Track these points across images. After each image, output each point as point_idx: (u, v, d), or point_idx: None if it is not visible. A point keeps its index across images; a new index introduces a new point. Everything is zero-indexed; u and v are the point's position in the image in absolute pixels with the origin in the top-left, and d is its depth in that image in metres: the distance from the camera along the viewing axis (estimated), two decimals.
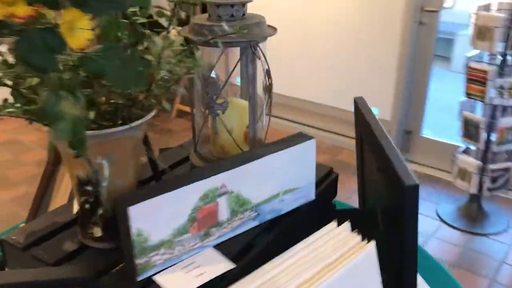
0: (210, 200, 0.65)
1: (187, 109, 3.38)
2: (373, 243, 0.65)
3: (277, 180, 0.71)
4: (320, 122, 3.11)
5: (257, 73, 0.79)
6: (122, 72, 0.48)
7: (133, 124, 0.60)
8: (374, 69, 2.76)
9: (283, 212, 0.74)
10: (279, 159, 0.70)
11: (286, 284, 0.59)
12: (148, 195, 0.59)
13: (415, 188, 0.66)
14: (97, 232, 0.65)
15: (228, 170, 0.65)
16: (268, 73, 0.82)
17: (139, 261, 0.61)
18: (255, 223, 0.71)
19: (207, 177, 0.63)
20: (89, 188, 0.62)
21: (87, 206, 0.64)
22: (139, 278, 0.61)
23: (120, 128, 0.59)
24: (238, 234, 0.70)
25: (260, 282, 0.59)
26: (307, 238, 0.66)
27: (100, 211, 0.64)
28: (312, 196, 0.77)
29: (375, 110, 2.83)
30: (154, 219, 0.60)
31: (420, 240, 2.06)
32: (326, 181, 0.87)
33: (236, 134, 0.82)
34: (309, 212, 0.78)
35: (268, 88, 0.83)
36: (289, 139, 0.74)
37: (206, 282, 0.61)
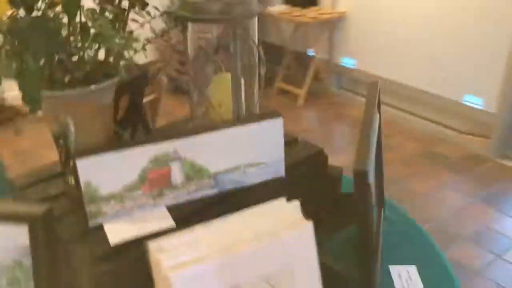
0: (161, 163, 0.70)
1: (289, 87, 3.44)
2: (310, 223, 0.66)
3: (238, 153, 0.74)
4: (422, 109, 2.95)
5: (243, 50, 0.82)
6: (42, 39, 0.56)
7: (82, 88, 0.67)
8: (482, 57, 2.53)
9: (246, 184, 0.77)
10: (240, 133, 0.73)
11: (208, 245, 0.62)
12: (96, 151, 0.67)
13: (363, 174, 0.65)
14: (71, 180, 0.75)
15: (180, 137, 0.70)
16: (257, 50, 0.84)
17: (89, 208, 0.69)
18: (214, 191, 0.76)
19: (157, 142, 0.69)
20: (61, 141, 0.72)
21: (62, 157, 0.74)
22: (90, 224, 0.70)
23: (75, 91, 0.67)
24: (197, 200, 0.75)
25: (186, 239, 0.63)
26: (251, 209, 0.69)
27: (71, 163, 0.73)
28: (281, 172, 0.79)
29: (478, 100, 2.61)
30: (102, 173, 0.68)
31: None
32: (311, 161, 0.87)
33: (226, 109, 0.86)
34: (279, 188, 0.80)
35: (256, 66, 0.85)
36: (258, 116, 0.76)
37: (145, 236, 0.67)
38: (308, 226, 0.65)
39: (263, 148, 0.76)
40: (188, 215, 0.72)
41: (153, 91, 1.39)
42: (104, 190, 0.69)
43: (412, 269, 0.85)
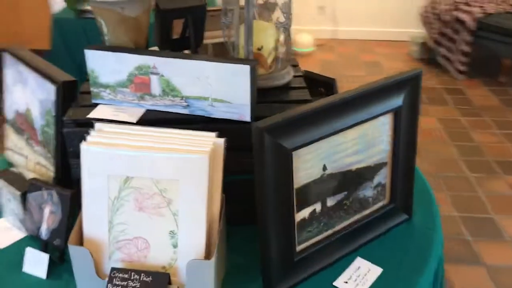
0: (143, 72, 0.89)
1: None
2: (206, 156, 0.77)
3: (206, 85, 0.88)
4: None
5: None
6: None
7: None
8: None
9: (213, 116, 0.90)
10: (208, 68, 0.86)
11: (136, 141, 0.80)
12: (101, 48, 0.89)
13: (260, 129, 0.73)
14: None
15: (159, 56, 0.87)
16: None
17: (93, 89, 0.93)
18: (185, 111, 0.91)
19: (142, 54, 0.87)
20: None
21: None
22: (92, 101, 0.94)
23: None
24: (171, 113, 0.92)
25: (126, 131, 0.82)
26: (183, 130, 0.83)
27: None
28: (246, 118, 0.89)
29: None
30: (102, 66, 0.90)
31: None
32: None
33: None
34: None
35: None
36: (233, 59, 0.87)
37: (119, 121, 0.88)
38: (203, 158, 0.76)
39: (228, 88, 0.87)
40: (160, 122, 0.90)
41: None
42: (103, 79, 0.91)
43: (375, 270, 0.89)
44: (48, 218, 0.89)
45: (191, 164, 0.77)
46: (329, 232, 0.90)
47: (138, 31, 0.95)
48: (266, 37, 1.00)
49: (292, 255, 0.85)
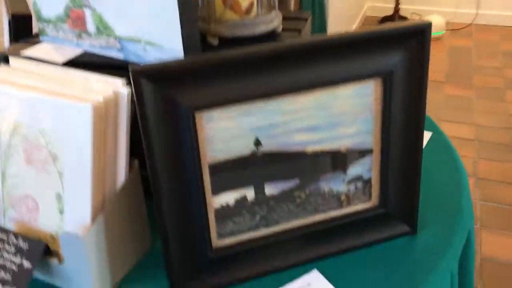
0: (77, 5, 0.74)
1: None
2: (89, 106, 0.61)
3: (137, 26, 0.70)
4: None
5: None
6: None
7: None
8: None
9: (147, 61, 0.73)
10: (136, 2, 0.68)
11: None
12: None
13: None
14: None
15: None
16: None
17: (39, 25, 0.81)
18: (120, 55, 0.75)
19: None
20: None
21: None
22: (40, 39, 0.83)
23: None
24: (107, 57, 0.76)
25: (39, 71, 0.69)
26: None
27: None
28: None
29: None
30: None
31: None
32: None
33: None
34: None
35: None
36: None
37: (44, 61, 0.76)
38: (86, 108, 0.60)
39: (159, 30, 0.68)
40: (88, 66, 0.76)
41: None
42: (44, 12, 0.79)
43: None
44: None
45: (73, 113, 0.61)
46: (271, 229, 0.68)
47: None
48: None
49: (205, 250, 0.65)
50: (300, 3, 1.13)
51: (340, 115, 0.64)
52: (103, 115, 0.62)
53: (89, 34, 0.77)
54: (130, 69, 0.53)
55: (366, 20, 4.08)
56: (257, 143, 0.62)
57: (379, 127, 0.66)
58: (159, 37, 0.69)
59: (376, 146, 0.67)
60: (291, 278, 0.67)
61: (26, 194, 0.69)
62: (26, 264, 0.64)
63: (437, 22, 3.59)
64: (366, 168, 0.68)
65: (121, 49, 0.75)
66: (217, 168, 0.61)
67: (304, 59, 0.59)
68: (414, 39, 0.62)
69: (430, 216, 0.77)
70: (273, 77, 0.58)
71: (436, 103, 2.81)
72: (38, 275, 0.69)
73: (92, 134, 0.61)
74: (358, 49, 0.61)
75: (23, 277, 0.64)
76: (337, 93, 0.62)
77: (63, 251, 0.64)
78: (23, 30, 0.84)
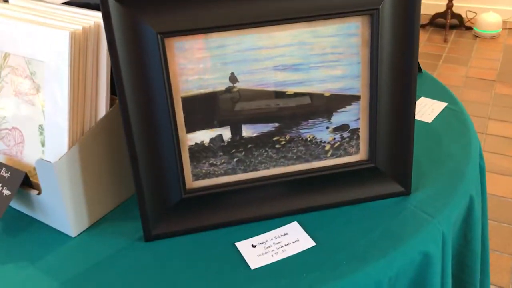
0: None
1: None
2: (66, 33, 0.61)
3: None
4: None
5: None
6: None
7: None
8: None
9: None
10: None
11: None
12: None
13: None
14: None
15: None
16: None
17: None
18: None
19: None
20: None
21: None
22: None
23: None
24: None
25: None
26: None
27: None
28: None
29: None
30: None
31: None
32: None
33: None
34: None
35: None
36: None
37: None
38: (63, 35, 0.60)
39: None
40: (91, 6, 0.76)
41: None
42: None
43: (305, 243, 0.66)
44: None
45: (52, 41, 0.61)
46: (249, 175, 0.65)
47: None
48: None
49: (179, 190, 0.63)
50: None
51: (322, 55, 0.61)
52: (82, 45, 0.62)
53: None
54: None
55: None
56: (233, 78, 0.60)
57: (367, 72, 0.62)
58: None
59: (363, 93, 0.64)
60: (270, 229, 0.65)
61: (14, 126, 0.70)
62: (6, 191, 0.66)
63: (494, 20, 3.41)
64: (353, 116, 0.65)
65: None
66: (191, 103, 0.60)
67: None
68: None
69: (429, 178, 0.72)
70: (247, 7, 0.56)
71: (485, 101, 2.67)
72: (22, 208, 0.71)
73: (70, 62, 0.61)
74: None
75: (1, 204, 0.65)
76: (317, 30, 0.59)
77: (40, 180, 0.64)
78: None
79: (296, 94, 0.62)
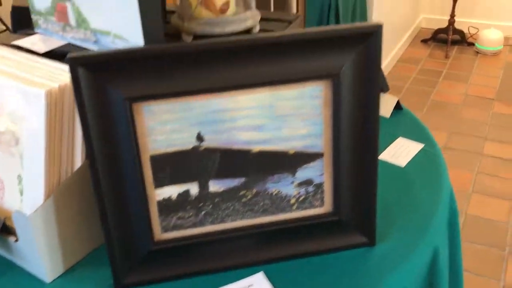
0: None
1: None
2: (42, 92, 0.64)
3: (106, 19, 0.73)
4: None
5: None
6: None
7: None
8: None
9: None
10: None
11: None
12: None
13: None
14: None
15: None
16: None
17: (33, 16, 0.87)
18: (95, 48, 0.78)
19: None
20: None
21: None
22: (35, 29, 0.88)
23: None
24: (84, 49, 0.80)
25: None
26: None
27: None
28: None
29: None
30: None
31: None
32: None
33: None
34: None
35: None
36: None
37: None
38: (39, 93, 0.63)
39: (125, 23, 0.71)
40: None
41: None
42: (36, 5, 0.84)
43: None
44: None
45: (29, 98, 0.65)
46: (217, 227, 0.68)
47: None
48: None
49: (147, 243, 0.66)
50: (304, 7, 1.12)
51: (285, 116, 0.63)
52: (58, 101, 0.65)
53: (71, 27, 0.81)
54: (68, 56, 0.56)
55: (421, 31, 3.96)
56: (199, 138, 0.62)
57: (330, 131, 0.65)
58: (124, 30, 0.72)
59: (327, 150, 0.66)
60: (236, 279, 0.67)
61: None
62: None
63: (495, 37, 3.42)
64: (317, 172, 0.67)
65: (96, 42, 0.78)
66: (159, 161, 0.63)
67: (246, 56, 0.59)
68: (365, 41, 0.61)
69: (396, 227, 0.74)
70: (214, 73, 0.59)
71: (483, 120, 2.68)
72: (1, 252, 0.74)
73: (46, 119, 0.64)
74: (304, 49, 0.60)
75: None
76: (281, 94, 0.62)
77: (17, 230, 0.67)
78: (24, 22, 0.89)
79: (261, 152, 0.64)
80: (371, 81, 0.62)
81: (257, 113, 0.62)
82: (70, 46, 0.82)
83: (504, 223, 1.97)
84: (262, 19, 0.86)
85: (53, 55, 0.79)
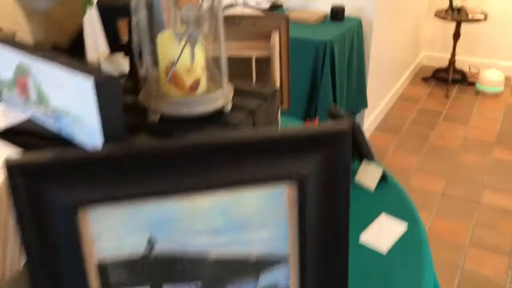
0: (23, 73, 0.75)
1: None
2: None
3: (66, 99, 0.69)
4: None
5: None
6: None
7: None
8: None
9: (73, 139, 0.71)
10: (63, 77, 0.67)
11: None
12: None
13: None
14: None
15: (32, 55, 0.71)
16: None
17: None
18: (55, 126, 0.74)
19: (20, 51, 0.73)
20: None
21: None
22: (1, 98, 0.84)
23: None
24: (46, 129, 0.76)
25: None
26: None
27: None
28: (97, 142, 0.67)
29: None
30: None
31: None
32: None
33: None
34: None
35: None
36: (82, 66, 0.66)
37: None
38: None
39: (81, 106, 0.66)
40: (30, 134, 0.75)
41: None
42: (1, 76, 0.80)
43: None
44: None
45: None
46: None
47: (52, 28, 0.81)
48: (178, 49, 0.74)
49: None
50: (288, 77, 1.09)
51: (245, 219, 0.58)
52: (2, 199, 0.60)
53: (32, 102, 0.77)
54: (4, 161, 0.51)
55: (422, 69, 3.93)
56: (151, 242, 0.57)
57: (295, 234, 0.60)
58: (82, 113, 0.68)
59: (292, 253, 0.61)
60: None
61: None
62: None
63: (496, 78, 3.38)
64: (282, 276, 0.62)
65: (56, 120, 0.74)
66: (107, 269, 0.57)
67: (203, 158, 0.55)
68: (333, 143, 0.56)
69: None
70: (168, 174, 0.54)
71: (482, 166, 2.61)
72: None
73: None
74: (268, 151, 0.56)
75: None
76: (242, 196, 0.57)
77: None
78: None
79: (220, 256, 0.59)
80: (340, 185, 0.57)
81: (216, 216, 0.57)
82: (30, 123, 0.77)
83: (502, 279, 1.90)
84: (236, 92, 0.82)
85: (12, 131, 0.75)
